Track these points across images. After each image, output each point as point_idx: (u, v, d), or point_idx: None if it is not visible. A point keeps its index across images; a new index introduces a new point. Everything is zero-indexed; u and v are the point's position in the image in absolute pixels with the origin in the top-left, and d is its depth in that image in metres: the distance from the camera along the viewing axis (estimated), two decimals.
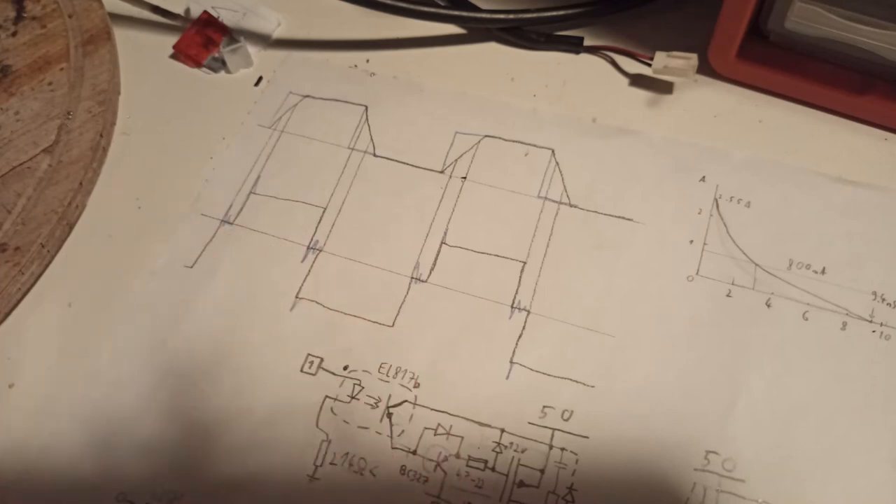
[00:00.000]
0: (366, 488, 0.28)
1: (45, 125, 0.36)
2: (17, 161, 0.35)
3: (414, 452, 0.29)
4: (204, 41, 0.39)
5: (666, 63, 0.35)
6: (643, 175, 0.34)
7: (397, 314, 0.31)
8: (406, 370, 0.30)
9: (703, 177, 0.34)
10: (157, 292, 0.33)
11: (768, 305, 0.30)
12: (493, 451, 0.28)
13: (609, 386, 0.29)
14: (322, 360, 0.31)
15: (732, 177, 0.33)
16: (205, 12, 0.39)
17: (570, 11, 0.37)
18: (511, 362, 0.30)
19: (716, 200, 0.33)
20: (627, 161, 0.34)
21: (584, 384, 0.29)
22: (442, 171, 0.35)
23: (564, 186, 0.34)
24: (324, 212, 0.34)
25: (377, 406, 0.30)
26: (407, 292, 0.32)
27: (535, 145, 0.35)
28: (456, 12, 0.36)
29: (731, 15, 0.32)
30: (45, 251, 0.33)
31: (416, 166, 0.35)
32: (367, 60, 0.39)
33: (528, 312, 0.31)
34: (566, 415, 0.29)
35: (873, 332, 0.30)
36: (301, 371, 0.30)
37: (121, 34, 0.40)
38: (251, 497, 0.28)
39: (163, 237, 0.34)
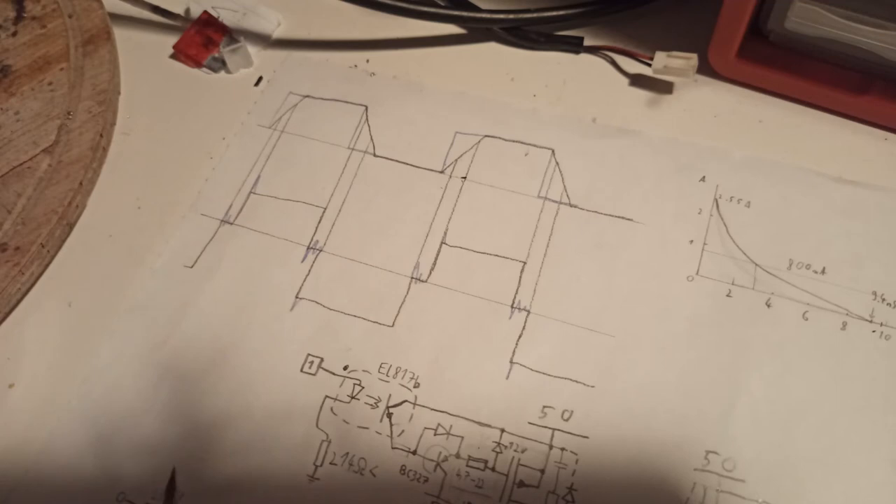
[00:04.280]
0: (366, 488, 0.28)
1: (45, 125, 0.36)
2: (17, 161, 0.35)
3: (414, 452, 0.29)
4: (204, 41, 0.39)
5: (666, 63, 0.35)
6: (643, 175, 0.34)
7: (397, 314, 0.31)
8: (406, 370, 0.30)
9: (703, 177, 0.34)
10: (157, 292, 0.33)
11: (768, 305, 0.30)
12: (493, 451, 0.28)
13: (609, 386, 0.29)
14: (322, 360, 0.31)
15: (732, 177, 0.33)
16: (205, 12, 0.39)
17: (570, 11, 0.37)
18: (511, 362, 0.30)
19: (716, 200, 0.33)
20: (627, 161, 0.34)
21: (584, 384, 0.29)
22: (442, 171, 0.35)
23: (564, 186, 0.34)
24: (324, 212, 0.34)
25: (377, 406, 0.30)
26: (407, 292, 0.32)
27: (535, 145, 0.35)
28: (456, 12, 0.36)
29: (731, 15, 0.32)
30: (45, 251, 0.33)
31: (416, 166, 0.35)
32: (367, 60, 0.39)
33: (528, 312, 0.31)
34: (566, 415, 0.29)
35: (873, 332, 0.30)
36: (301, 371, 0.30)
37: (121, 34, 0.40)
38: (251, 497, 0.28)
39: (163, 237, 0.34)
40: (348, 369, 0.30)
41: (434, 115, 0.37)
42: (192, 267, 0.33)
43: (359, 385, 0.30)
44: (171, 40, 0.39)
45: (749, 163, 0.34)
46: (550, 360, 0.30)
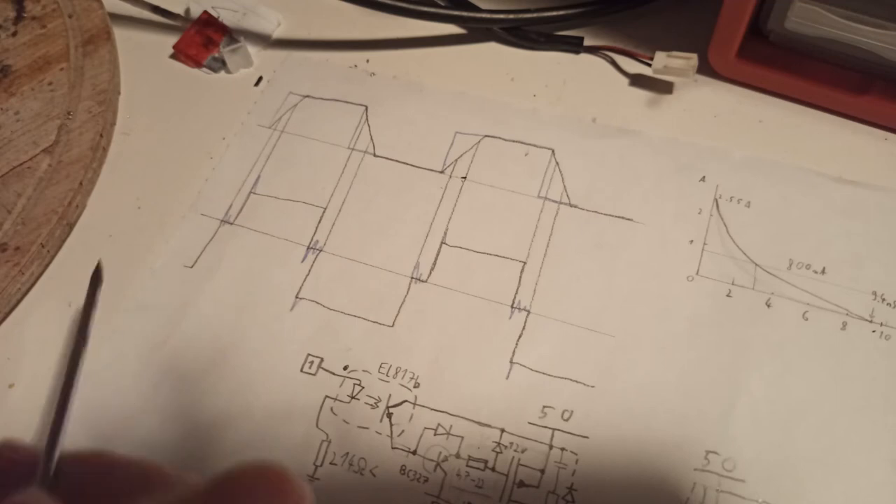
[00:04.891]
0: (366, 488, 0.28)
1: (45, 125, 0.36)
2: (17, 161, 0.35)
3: (414, 452, 0.29)
4: (204, 41, 0.39)
5: (666, 63, 0.35)
6: (643, 175, 0.34)
7: (397, 314, 0.31)
8: (406, 370, 0.30)
9: (703, 177, 0.34)
10: (157, 292, 0.33)
11: (768, 305, 0.30)
12: (493, 451, 0.28)
13: (609, 386, 0.29)
14: (322, 360, 0.31)
15: (732, 177, 0.33)
16: (205, 12, 0.39)
17: (570, 11, 0.37)
18: (511, 362, 0.30)
19: (716, 200, 0.33)
20: (627, 161, 0.34)
21: (584, 384, 0.29)
22: (442, 171, 0.35)
23: (564, 186, 0.34)
24: (324, 212, 0.34)
25: (377, 406, 0.30)
26: (407, 292, 0.32)
27: (535, 145, 0.35)
28: (456, 12, 0.36)
29: (731, 15, 0.32)
30: (45, 251, 0.33)
31: (416, 166, 0.35)
32: (367, 60, 0.39)
33: (528, 312, 0.31)
34: (566, 415, 0.29)
35: (873, 332, 0.30)
36: (301, 371, 0.30)
37: (121, 34, 0.40)
38: None
39: (163, 237, 0.34)
40: (348, 369, 0.30)
41: (434, 115, 0.37)
42: (192, 267, 0.33)
43: (359, 385, 0.30)
44: (171, 40, 0.39)
45: (749, 163, 0.34)
46: (550, 360, 0.30)
